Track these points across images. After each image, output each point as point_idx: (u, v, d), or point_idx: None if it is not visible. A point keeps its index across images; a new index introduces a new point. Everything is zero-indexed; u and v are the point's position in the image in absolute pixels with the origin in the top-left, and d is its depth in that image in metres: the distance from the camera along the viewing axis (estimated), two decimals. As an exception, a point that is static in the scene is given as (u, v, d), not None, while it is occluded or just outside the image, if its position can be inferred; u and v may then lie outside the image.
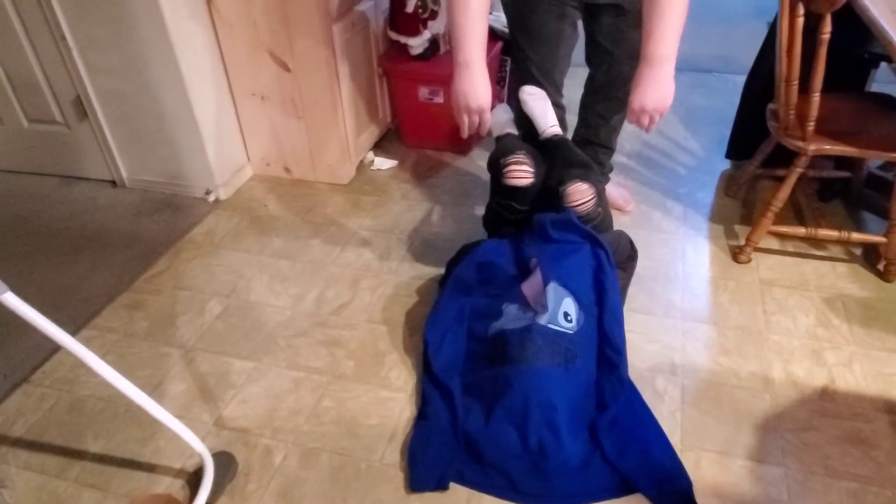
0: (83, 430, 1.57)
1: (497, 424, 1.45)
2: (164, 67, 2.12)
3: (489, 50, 2.56)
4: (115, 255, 2.14)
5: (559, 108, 1.97)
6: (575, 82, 2.08)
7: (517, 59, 1.91)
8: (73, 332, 1.85)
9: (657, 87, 1.49)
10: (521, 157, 1.69)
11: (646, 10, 1.47)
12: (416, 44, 2.43)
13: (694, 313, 1.83)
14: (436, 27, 2.47)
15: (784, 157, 1.96)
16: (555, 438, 1.40)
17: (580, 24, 1.86)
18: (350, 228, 2.23)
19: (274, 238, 2.20)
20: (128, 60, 2.14)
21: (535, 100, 1.86)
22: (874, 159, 1.84)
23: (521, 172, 1.68)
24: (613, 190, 2.27)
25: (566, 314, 1.54)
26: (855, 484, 1.38)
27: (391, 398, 1.61)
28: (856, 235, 1.91)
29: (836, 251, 2.03)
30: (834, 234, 1.91)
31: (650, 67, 1.48)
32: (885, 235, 1.87)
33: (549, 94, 1.90)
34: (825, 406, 1.55)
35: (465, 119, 1.59)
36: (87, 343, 1.79)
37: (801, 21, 1.67)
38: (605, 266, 1.63)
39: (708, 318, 1.81)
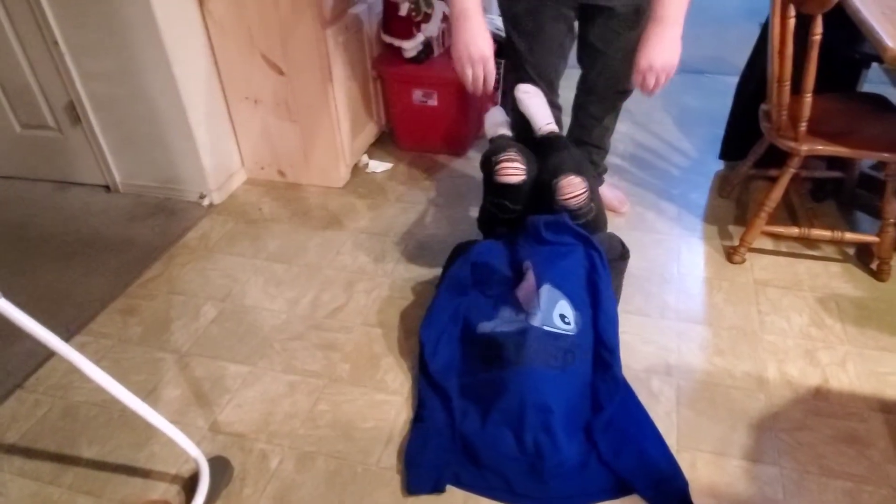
0: (77, 436, 1.56)
1: (493, 427, 1.45)
2: (157, 72, 2.11)
3: (483, 52, 2.57)
4: (108, 261, 2.14)
5: (555, 109, 1.98)
6: (570, 83, 2.08)
7: (513, 60, 1.91)
8: (67, 337, 1.84)
9: (664, 46, 1.50)
10: (512, 154, 1.70)
11: None
12: (410, 47, 2.44)
13: (689, 314, 1.83)
14: (429, 30, 2.47)
15: (777, 158, 1.97)
16: (551, 440, 1.40)
17: (576, 25, 1.87)
18: (345, 231, 2.23)
19: (269, 242, 2.20)
20: (120, 65, 2.13)
21: (531, 97, 1.86)
22: (866, 159, 1.85)
23: (513, 170, 1.69)
24: (608, 191, 2.27)
25: (562, 316, 1.55)
26: (850, 483, 1.38)
27: (387, 401, 1.61)
28: (849, 235, 1.92)
29: (830, 251, 2.04)
30: (827, 233, 1.92)
31: (658, 26, 1.49)
32: (877, 235, 1.88)
33: (545, 94, 1.90)
34: (819, 405, 1.55)
35: (469, 72, 1.55)
36: (81, 349, 1.79)
37: (792, 22, 1.68)
38: (598, 267, 1.64)
39: (703, 319, 1.81)
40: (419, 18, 2.41)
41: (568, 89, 2.08)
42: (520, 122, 1.92)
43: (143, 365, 1.75)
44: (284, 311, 1.90)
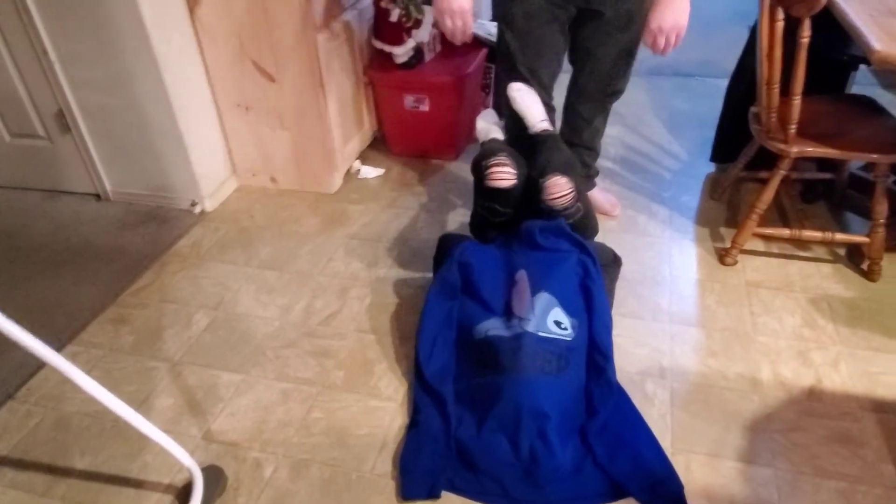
0: (69, 446, 1.55)
1: (489, 434, 1.45)
2: (147, 80, 2.11)
3: (474, 58, 2.57)
4: (99, 270, 2.12)
5: (549, 110, 1.99)
6: (560, 87, 2.09)
7: (507, 62, 1.91)
8: (58, 347, 1.83)
9: (675, 7, 1.61)
10: (502, 158, 1.70)
11: None
12: (401, 52, 2.44)
13: (681, 316, 1.84)
14: (420, 36, 2.48)
15: (767, 160, 1.98)
16: (546, 446, 1.40)
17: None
18: (337, 238, 2.23)
19: (261, 249, 2.19)
20: (110, 73, 2.13)
21: (523, 95, 1.87)
22: (856, 160, 1.86)
23: (503, 174, 1.70)
24: (599, 195, 2.28)
25: (558, 322, 1.55)
26: (844, 483, 1.39)
27: (381, 407, 1.60)
28: (839, 236, 1.93)
29: (821, 252, 2.05)
30: (818, 234, 1.93)
31: None
32: (867, 235, 1.89)
33: (538, 94, 1.91)
34: (813, 406, 1.56)
35: (449, 23, 1.69)
36: (73, 359, 1.78)
37: (781, 25, 1.69)
38: (592, 272, 1.64)
39: (695, 321, 1.82)
40: (410, 24, 2.41)
41: (558, 93, 2.09)
42: (514, 121, 1.93)
43: (135, 374, 1.74)
44: (277, 318, 1.90)
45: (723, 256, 2.03)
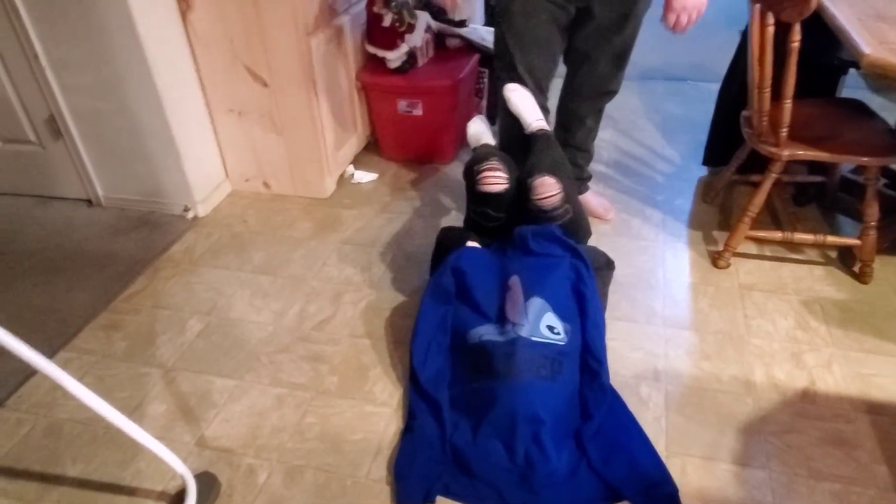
0: (61, 454, 1.54)
1: (484, 439, 1.44)
2: (139, 84, 2.10)
3: (467, 62, 2.58)
4: (92, 275, 2.11)
5: (544, 111, 2.00)
6: (554, 89, 2.10)
7: (505, 62, 1.91)
8: (50, 354, 1.81)
9: None
10: (494, 163, 1.71)
11: None
12: (394, 57, 2.44)
13: (675, 319, 1.84)
14: (413, 41, 2.48)
15: (759, 163, 1.99)
16: (541, 451, 1.39)
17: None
18: (331, 243, 2.22)
19: (254, 254, 2.19)
20: (102, 78, 2.12)
21: (519, 96, 1.88)
22: (846, 163, 1.87)
23: (495, 179, 1.70)
24: (593, 199, 2.29)
25: (550, 327, 1.55)
26: (838, 485, 1.39)
27: (376, 412, 1.60)
28: (831, 239, 1.94)
29: (813, 254, 2.06)
30: (810, 237, 1.94)
31: None
32: (859, 238, 1.90)
33: (534, 95, 1.92)
34: (806, 408, 1.57)
35: None
36: (65, 365, 1.76)
37: (771, 30, 1.70)
38: (584, 277, 1.64)
39: (689, 324, 1.82)
40: (403, 29, 2.41)
41: (552, 95, 2.10)
42: (509, 122, 1.94)
43: (127, 381, 1.73)
44: (271, 323, 1.89)
45: (716, 259, 2.04)
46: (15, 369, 1.75)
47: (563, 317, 1.59)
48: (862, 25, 1.65)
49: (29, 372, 1.74)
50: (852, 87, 2.98)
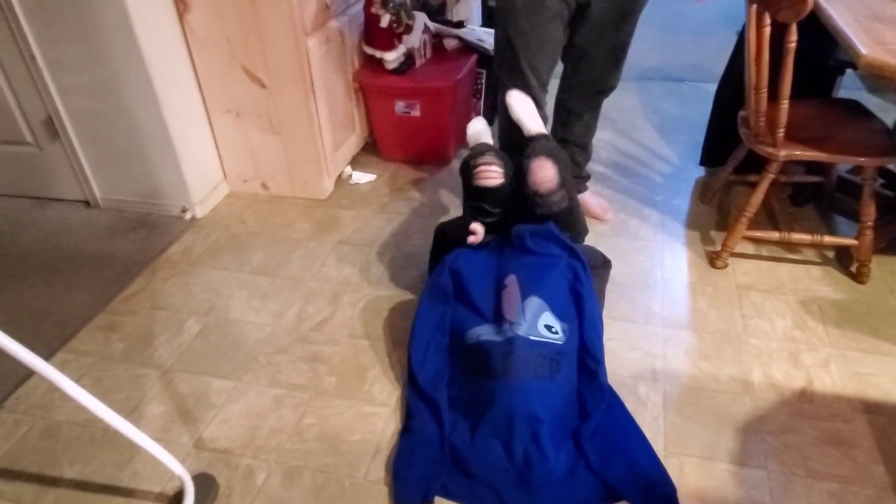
0: (59, 456, 1.54)
1: (482, 440, 1.45)
2: (136, 85, 2.10)
3: (464, 63, 2.58)
4: (89, 277, 2.11)
5: (540, 108, 2.01)
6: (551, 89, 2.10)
7: (508, 58, 1.91)
8: (48, 355, 1.81)
9: None
10: (490, 158, 1.73)
11: None
12: (392, 58, 2.44)
13: (673, 319, 1.84)
14: (410, 41, 2.48)
15: (756, 164, 1.99)
16: (539, 450, 1.40)
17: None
18: (329, 243, 2.22)
19: (252, 255, 2.18)
20: (99, 79, 2.12)
21: (520, 102, 1.89)
22: (843, 163, 1.88)
23: (491, 173, 1.71)
24: (591, 199, 2.29)
25: (548, 326, 1.55)
26: (836, 484, 1.39)
27: (374, 413, 1.60)
28: (828, 239, 1.94)
29: (810, 254, 2.07)
30: (807, 237, 1.94)
31: None
32: (856, 238, 1.91)
33: (536, 92, 1.93)
34: (804, 408, 1.57)
35: None
36: (62, 367, 1.76)
37: (768, 30, 1.71)
38: (581, 277, 1.65)
39: (687, 324, 1.82)
40: (400, 30, 2.42)
41: (549, 97, 2.11)
42: (509, 128, 1.95)
43: (125, 382, 1.73)
44: (269, 324, 1.89)
45: (713, 259, 2.04)
46: (12, 370, 1.75)
47: (560, 316, 1.59)
48: (859, 26, 1.65)
49: (26, 373, 1.74)
50: (849, 87, 2.99)
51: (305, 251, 2.19)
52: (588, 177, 2.29)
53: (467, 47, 2.70)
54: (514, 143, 1.94)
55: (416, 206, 2.40)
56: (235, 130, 2.38)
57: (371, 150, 2.76)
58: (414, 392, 1.59)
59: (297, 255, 2.17)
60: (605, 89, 2.04)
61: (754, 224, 2.03)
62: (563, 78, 2.06)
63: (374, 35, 2.43)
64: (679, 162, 2.61)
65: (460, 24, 2.81)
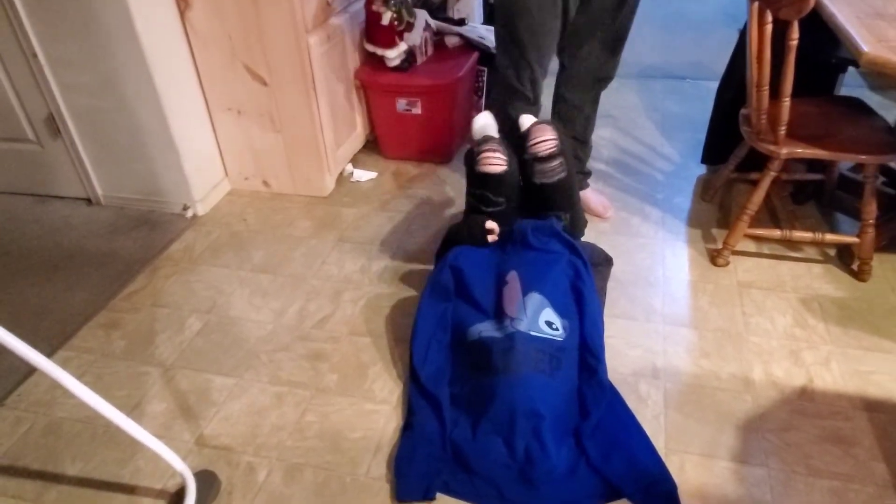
0: (61, 452, 1.54)
1: (484, 436, 1.45)
2: (138, 83, 2.10)
3: (466, 61, 2.58)
4: (91, 274, 2.11)
5: (537, 103, 2.03)
6: (547, 90, 2.11)
7: (515, 52, 1.91)
8: (49, 353, 1.81)
9: None
10: (494, 146, 1.75)
11: None
12: (393, 55, 2.44)
13: (674, 317, 1.84)
14: (412, 39, 2.48)
15: (758, 161, 1.99)
16: (541, 446, 1.40)
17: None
18: (330, 241, 2.22)
19: (253, 252, 2.19)
20: (101, 77, 2.12)
21: (529, 121, 1.90)
22: (845, 161, 1.88)
23: (494, 159, 1.73)
24: (592, 196, 2.29)
25: (549, 322, 1.55)
26: (836, 482, 1.39)
27: (375, 410, 1.60)
28: (829, 236, 1.94)
29: (811, 252, 2.07)
30: (808, 235, 1.94)
31: None
32: (857, 236, 1.91)
33: (539, 84, 1.95)
34: (805, 405, 1.57)
35: None
36: (64, 364, 1.76)
37: (769, 28, 1.70)
38: (582, 274, 1.65)
39: (688, 322, 1.82)
40: (402, 27, 2.41)
41: (545, 97, 2.11)
42: (510, 127, 1.95)
43: (127, 379, 1.73)
44: (270, 321, 1.89)
45: (715, 257, 2.04)
46: (14, 368, 1.75)
47: (561, 313, 1.59)
48: (860, 23, 1.65)
49: (28, 370, 1.74)
50: (851, 85, 2.99)
51: (307, 249, 2.19)
52: (589, 173, 2.30)
53: (469, 45, 2.70)
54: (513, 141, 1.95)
55: (417, 204, 2.40)
56: (236, 128, 2.38)
57: (372, 147, 2.76)
58: (416, 389, 1.59)
59: (298, 253, 2.17)
60: (605, 78, 2.04)
61: (755, 222, 2.02)
62: (561, 71, 2.07)
63: (376, 32, 2.43)
64: (680, 160, 2.61)
65: (462, 22, 2.81)
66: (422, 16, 2.52)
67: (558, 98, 2.12)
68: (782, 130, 1.79)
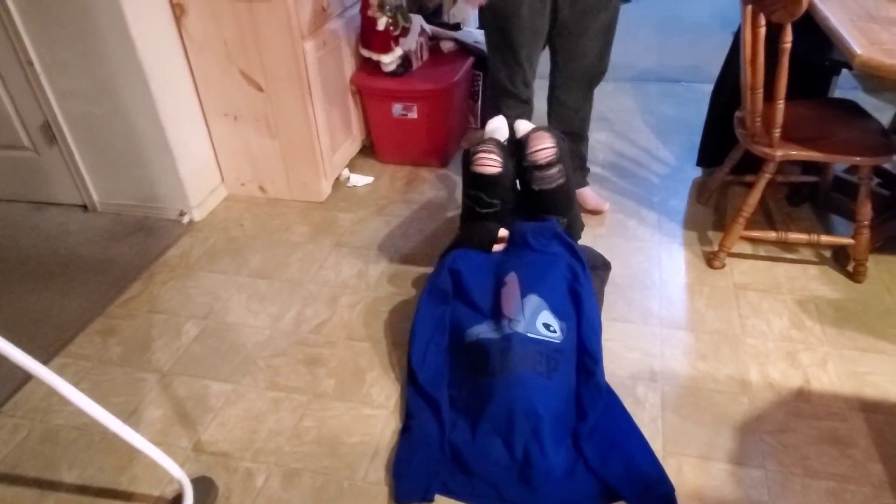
0: (57, 460, 1.53)
1: (483, 438, 1.45)
2: (134, 89, 2.10)
3: (461, 66, 2.59)
4: (87, 281, 2.11)
5: (529, 104, 2.06)
6: (540, 92, 2.11)
7: (508, 53, 1.94)
8: (46, 360, 1.81)
9: None
10: (490, 147, 1.76)
11: None
12: (389, 61, 2.45)
13: (671, 320, 1.85)
14: (407, 44, 2.49)
15: (753, 164, 2.00)
16: (539, 447, 1.40)
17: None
18: (327, 246, 2.22)
19: (250, 258, 2.19)
20: (97, 83, 2.12)
21: (526, 126, 1.91)
22: (839, 163, 1.88)
23: (489, 160, 1.73)
24: (590, 193, 2.31)
25: (546, 325, 1.55)
26: (833, 483, 1.40)
27: (373, 415, 1.60)
28: (825, 238, 1.95)
29: (807, 254, 2.07)
30: (804, 237, 1.95)
31: None
32: (852, 237, 1.91)
33: (530, 82, 1.99)
34: (801, 407, 1.57)
35: None
36: (61, 371, 1.76)
37: (763, 31, 1.71)
38: (580, 277, 1.65)
39: (685, 324, 1.83)
40: (397, 33, 2.42)
41: (540, 97, 2.12)
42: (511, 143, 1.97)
43: (123, 386, 1.72)
44: (267, 327, 1.89)
45: (711, 260, 2.05)
46: (10, 375, 1.75)
47: (559, 315, 1.59)
48: (853, 26, 1.66)
49: (25, 377, 1.74)
50: (845, 87, 3.00)
51: (303, 254, 2.19)
52: (588, 170, 2.32)
53: (464, 49, 2.71)
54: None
55: (413, 209, 2.40)
56: (233, 134, 2.38)
57: (368, 152, 2.76)
58: (414, 391, 1.59)
59: (295, 258, 2.17)
60: (597, 74, 2.06)
61: (751, 224, 2.03)
62: (553, 69, 2.08)
63: (371, 38, 2.44)
64: (676, 163, 2.62)
65: (457, 27, 2.82)
66: (417, 21, 2.53)
67: (554, 101, 2.13)
68: (777, 133, 1.80)
